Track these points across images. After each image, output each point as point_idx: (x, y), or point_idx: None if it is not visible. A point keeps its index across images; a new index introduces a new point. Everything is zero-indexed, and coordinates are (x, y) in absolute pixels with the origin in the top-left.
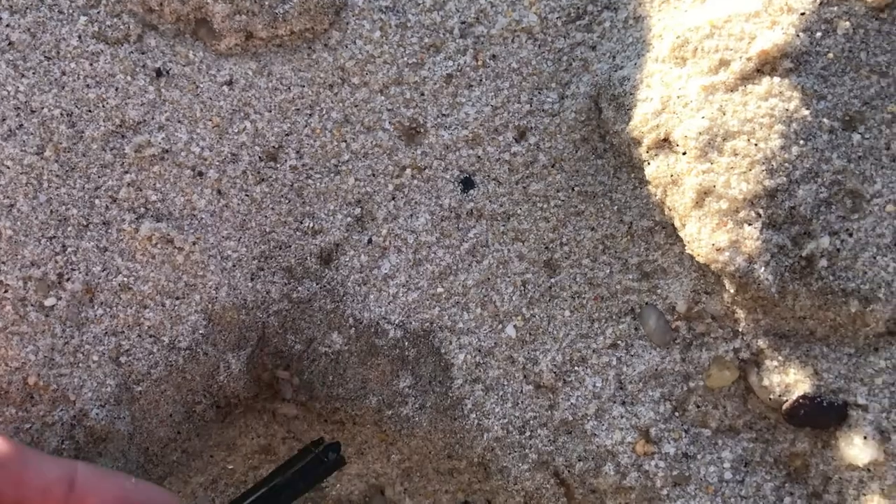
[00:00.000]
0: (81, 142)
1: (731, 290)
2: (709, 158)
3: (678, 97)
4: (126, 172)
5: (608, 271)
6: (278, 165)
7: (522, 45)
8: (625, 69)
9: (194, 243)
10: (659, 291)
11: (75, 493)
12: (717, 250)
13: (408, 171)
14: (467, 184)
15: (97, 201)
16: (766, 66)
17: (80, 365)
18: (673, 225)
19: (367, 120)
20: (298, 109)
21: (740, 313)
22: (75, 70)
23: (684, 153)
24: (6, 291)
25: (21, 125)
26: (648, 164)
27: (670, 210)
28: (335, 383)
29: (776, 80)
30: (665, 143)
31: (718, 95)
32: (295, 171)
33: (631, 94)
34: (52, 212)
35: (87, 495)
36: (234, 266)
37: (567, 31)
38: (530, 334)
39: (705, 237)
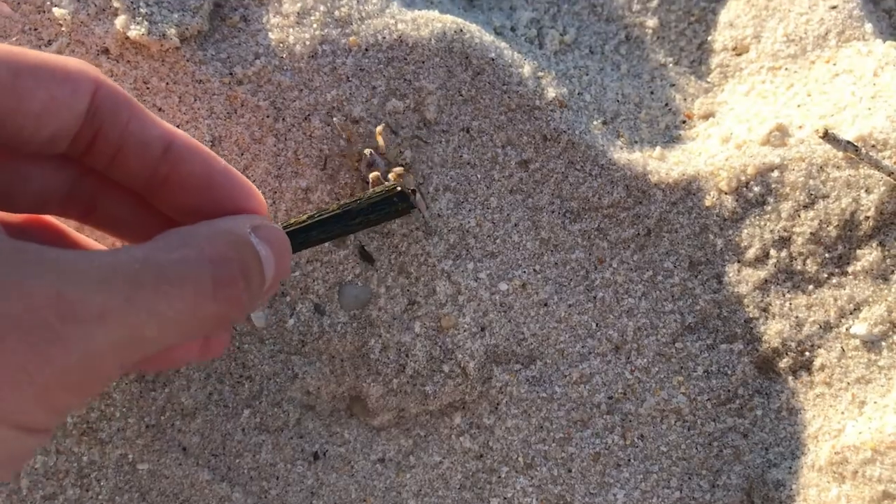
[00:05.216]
0: None
1: None
2: None
3: None
4: None
5: None
6: None
7: (671, 426)
8: (779, 469)
9: None
10: None
11: (170, 155)
12: None
13: None
14: None
15: None
16: None
17: None
18: None
19: (513, 495)
20: (448, 483)
21: None
22: (240, 465)
23: None
24: None
25: None
26: None
27: None
28: None
29: None
30: None
31: None
32: None
33: None
34: None
35: (180, 162)
36: None
37: (717, 413)
38: None
39: None
